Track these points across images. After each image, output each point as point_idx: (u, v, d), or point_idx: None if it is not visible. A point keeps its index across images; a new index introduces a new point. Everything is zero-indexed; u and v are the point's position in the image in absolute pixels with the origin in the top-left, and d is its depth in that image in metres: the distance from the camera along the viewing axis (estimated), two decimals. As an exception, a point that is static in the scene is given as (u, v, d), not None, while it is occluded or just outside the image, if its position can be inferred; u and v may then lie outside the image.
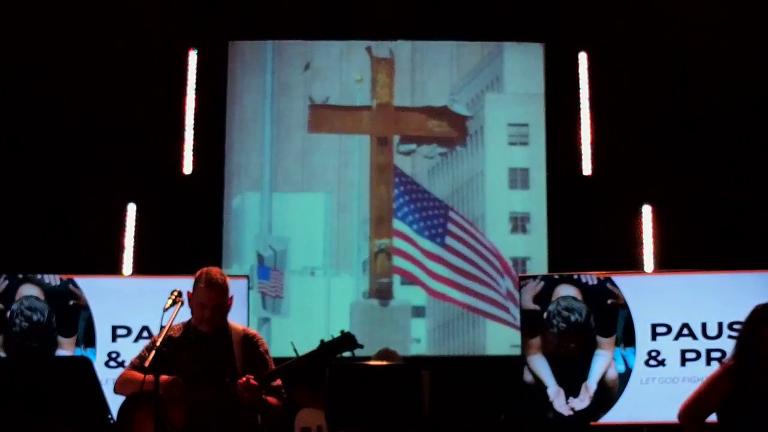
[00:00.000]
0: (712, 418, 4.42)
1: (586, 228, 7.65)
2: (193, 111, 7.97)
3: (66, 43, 7.74)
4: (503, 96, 8.17)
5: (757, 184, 7.68)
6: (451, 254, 7.93)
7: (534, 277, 6.44)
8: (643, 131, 7.78)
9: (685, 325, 6.19)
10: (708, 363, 6.10)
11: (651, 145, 7.80)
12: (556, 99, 8.04)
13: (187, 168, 7.92)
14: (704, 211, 7.60)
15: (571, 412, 6.17)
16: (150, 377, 4.22)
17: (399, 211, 8.02)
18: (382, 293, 7.91)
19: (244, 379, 4.46)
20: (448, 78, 8.18)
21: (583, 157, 7.90)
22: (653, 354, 6.19)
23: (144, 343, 5.49)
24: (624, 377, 6.18)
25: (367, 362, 5.76)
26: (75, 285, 6.31)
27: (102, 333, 6.29)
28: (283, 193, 8.05)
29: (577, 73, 7.99)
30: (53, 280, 6.31)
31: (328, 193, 8.04)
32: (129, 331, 6.30)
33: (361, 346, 4.70)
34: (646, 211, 7.68)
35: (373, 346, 6.54)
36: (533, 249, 7.92)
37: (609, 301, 6.25)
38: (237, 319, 4.98)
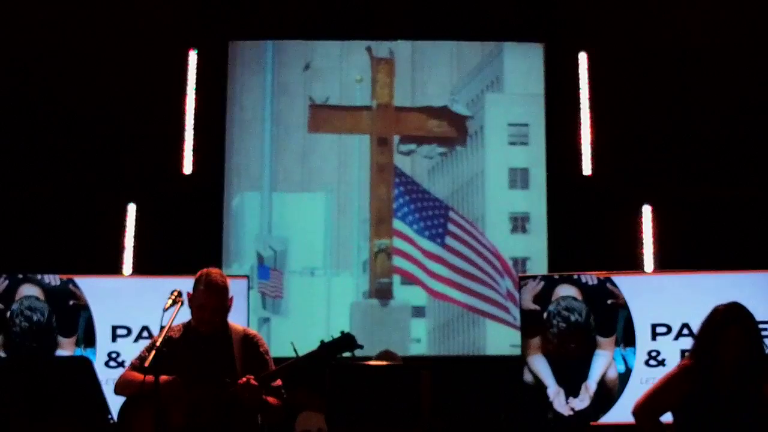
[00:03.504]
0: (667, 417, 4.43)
1: (586, 228, 7.65)
2: (193, 111, 7.97)
3: (66, 43, 7.74)
4: (503, 96, 8.17)
5: (757, 184, 7.68)
6: (451, 254, 7.93)
7: (534, 277, 6.43)
8: (643, 131, 7.78)
9: (685, 325, 6.19)
10: (708, 363, 6.09)
11: (651, 145, 7.80)
12: (556, 99, 8.04)
13: (187, 168, 7.92)
14: (704, 211, 7.60)
15: (571, 412, 6.17)
16: (150, 377, 4.23)
17: (399, 211, 8.02)
18: (382, 293, 7.91)
19: (244, 379, 4.46)
20: (448, 78, 8.18)
21: (583, 157, 7.91)
22: (653, 354, 6.19)
23: (144, 343, 5.50)
24: (624, 377, 6.17)
25: (367, 362, 5.76)
26: (75, 285, 6.31)
27: (102, 333, 6.29)
28: (283, 193, 8.05)
29: (577, 73, 7.99)
30: (53, 280, 6.31)
31: (328, 193, 8.04)
32: (129, 331, 6.30)
33: (361, 347, 4.69)
34: (646, 211, 7.68)
35: (373, 346, 6.54)
36: (533, 249, 7.92)
37: (609, 301, 6.25)
38: (237, 319, 4.98)
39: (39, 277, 6.30)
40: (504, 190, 8.05)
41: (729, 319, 4.32)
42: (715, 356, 4.29)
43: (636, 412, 4.41)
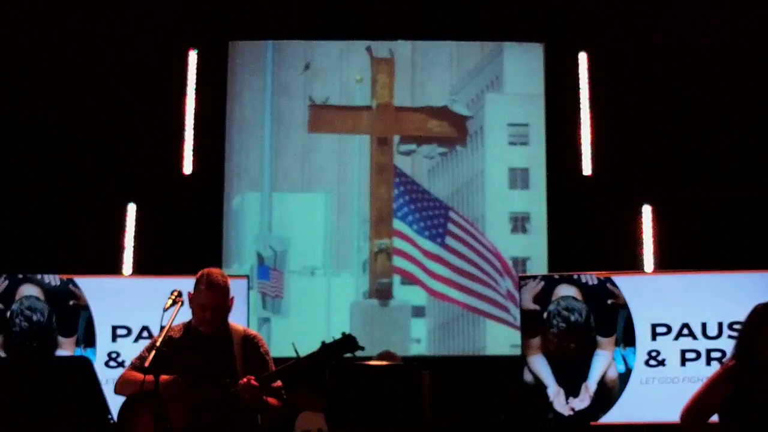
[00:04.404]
0: (714, 418, 4.42)
1: (586, 228, 7.65)
2: (193, 111, 7.97)
3: (66, 43, 7.74)
4: (503, 96, 8.17)
5: (757, 184, 7.67)
6: (451, 254, 7.93)
7: (534, 277, 6.43)
8: (643, 131, 7.78)
9: (685, 325, 6.19)
10: (708, 363, 6.10)
11: (651, 145, 7.80)
12: (556, 99, 8.04)
13: (187, 168, 7.92)
14: (704, 211, 7.60)
15: (571, 412, 6.17)
16: (150, 377, 4.23)
17: (399, 211, 8.02)
18: (382, 293, 7.91)
19: (244, 380, 4.46)
20: (448, 78, 8.18)
21: (583, 157, 7.91)
22: (653, 354, 6.19)
23: (144, 343, 5.50)
24: (624, 377, 6.17)
25: (367, 362, 5.76)
26: (75, 285, 6.31)
27: (102, 333, 6.29)
28: (283, 193, 8.05)
29: (577, 73, 7.99)
30: (53, 280, 6.30)
31: (328, 193, 8.05)
32: (129, 331, 6.30)
33: (362, 348, 4.69)
34: (646, 211, 7.68)
35: (373, 347, 6.55)
36: (533, 249, 7.92)
37: (609, 301, 6.25)
38: (237, 319, 4.98)
39: (39, 277, 6.30)
40: (504, 190, 8.05)
41: (766, 318, 4.31)
42: (754, 356, 4.27)
43: (683, 416, 4.38)
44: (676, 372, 6.15)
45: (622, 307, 6.23)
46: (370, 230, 8.00)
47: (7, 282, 6.28)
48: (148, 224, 7.70)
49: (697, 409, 4.36)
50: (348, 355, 4.70)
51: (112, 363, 6.26)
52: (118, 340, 6.29)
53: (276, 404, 4.63)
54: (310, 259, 7.94)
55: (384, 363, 5.85)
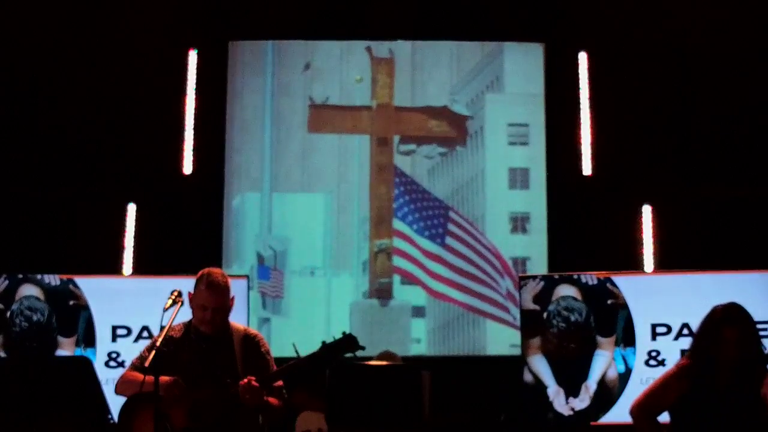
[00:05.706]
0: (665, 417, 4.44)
1: (586, 228, 7.65)
2: (193, 111, 7.97)
3: (66, 43, 7.74)
4: (503, 96, 8.17)
5: (757, 184, 7.68)
6: (451, 254, 7.93)
7: (534, 277, 6.44)
8: (643, 131, 7.78)
9: (685, 325, 6.19)
10: (708, 363, 6.10)
11: (651, 145, 7.80)
12: (556, 99, 8.04)
13: (187, 168, 7.92)
14: (704, 211, 7.60)
15: (571, 412, 6.18)
16: (150, 378, 4.22)
17: (399, 211, 8.02)
18: (382, 293, 7.91)
19: (245, 380, 4.45)
20: (448, 78, 8.18)
21: (583, 157, 7.91)
22: (653, 354, 6.20)
23: (144, 343, 5.50)
24: (624, 377, 6.18)
25: (367, 362, 5.76)
26: (75, 285, 6.31)
27: (102, 333, 6.29)
28: (283, 193, 8.05)
29: (577, 73, 7.99)
30: (53, 280, 6.31)
31: (328, 193, 8.05)
32: (129, 331, 6.30)
33: (363, 348, 4.69)
34: (646, 211, 7.68)
35: (373, 346, 6.53)
36: (533, 249, 7.92)
37: (609, 301, 6.25)
38: (237, 319, 4.98)
39: (39, 277, 6.30)
40: (504, 190, 8.05)
41: (726, 319, 4.33)
42: (712, 356, 4.30)
43: (633, 411, 4.42)
44: (676, 372, 6.15)
45: (622, 307, 6.23)
46: (370, 230, 8.00)
47: (7, 282, 6.28)
48: (148, 224, 7.70)
49: (649, 405, 4.40)
50: (348, 354, 4.69)
51: (112, 363, 6.27)
52: (118, 340, 6.30)
53: (277, 404, 4.63)
54: (310, 259, 7.94)
55: (384, 363, 5.85)
